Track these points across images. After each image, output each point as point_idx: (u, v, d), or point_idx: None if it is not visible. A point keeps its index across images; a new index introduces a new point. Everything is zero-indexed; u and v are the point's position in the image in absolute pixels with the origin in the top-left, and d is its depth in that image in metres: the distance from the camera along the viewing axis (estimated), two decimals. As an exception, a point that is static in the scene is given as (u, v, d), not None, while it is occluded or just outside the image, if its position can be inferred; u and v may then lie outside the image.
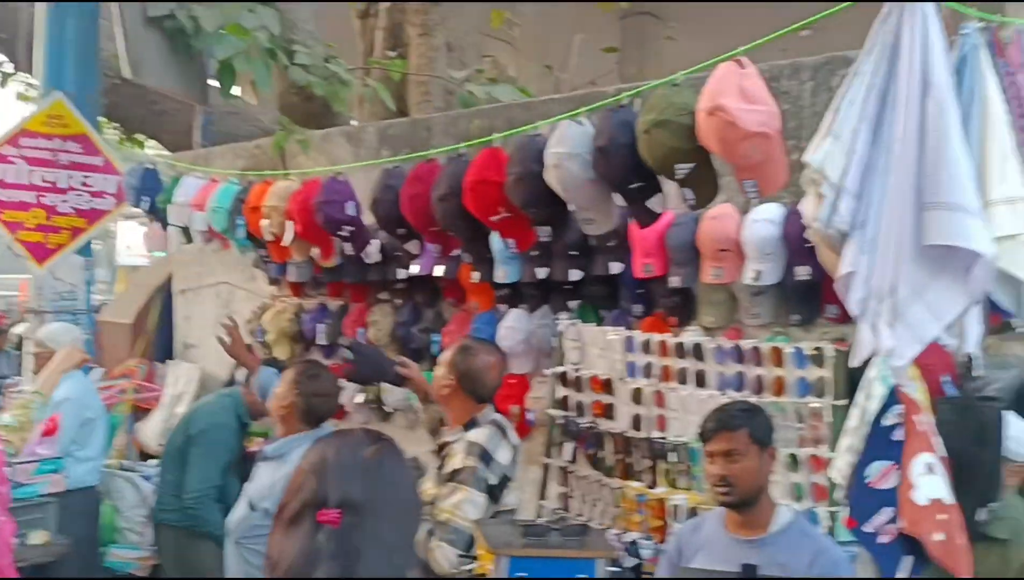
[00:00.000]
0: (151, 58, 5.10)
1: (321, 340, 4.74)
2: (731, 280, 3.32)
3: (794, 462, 2.91)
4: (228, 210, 4.37)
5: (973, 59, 2.05)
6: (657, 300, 3.60)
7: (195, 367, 5.57)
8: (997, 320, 2.69)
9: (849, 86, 1.96)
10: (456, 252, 3.53)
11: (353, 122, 6.26)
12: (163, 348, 5.95)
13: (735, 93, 2.33)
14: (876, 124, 1.93)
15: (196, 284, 5.83)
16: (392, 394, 4.43)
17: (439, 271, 4.04)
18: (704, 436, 2.41)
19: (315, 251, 4.18)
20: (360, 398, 4.59)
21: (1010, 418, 2.36)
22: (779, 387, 2.96)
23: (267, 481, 2.90)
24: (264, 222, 4.13)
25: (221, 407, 4.14)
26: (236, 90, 5.73)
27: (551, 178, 2.76)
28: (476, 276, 3.96)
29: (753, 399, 2.86)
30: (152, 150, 8.44)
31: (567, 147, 2.70)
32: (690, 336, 3.27)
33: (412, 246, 3.60)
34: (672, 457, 3.18)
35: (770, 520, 2.39)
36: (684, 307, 3.56)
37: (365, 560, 1.38)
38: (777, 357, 2.97)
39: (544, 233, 2.96)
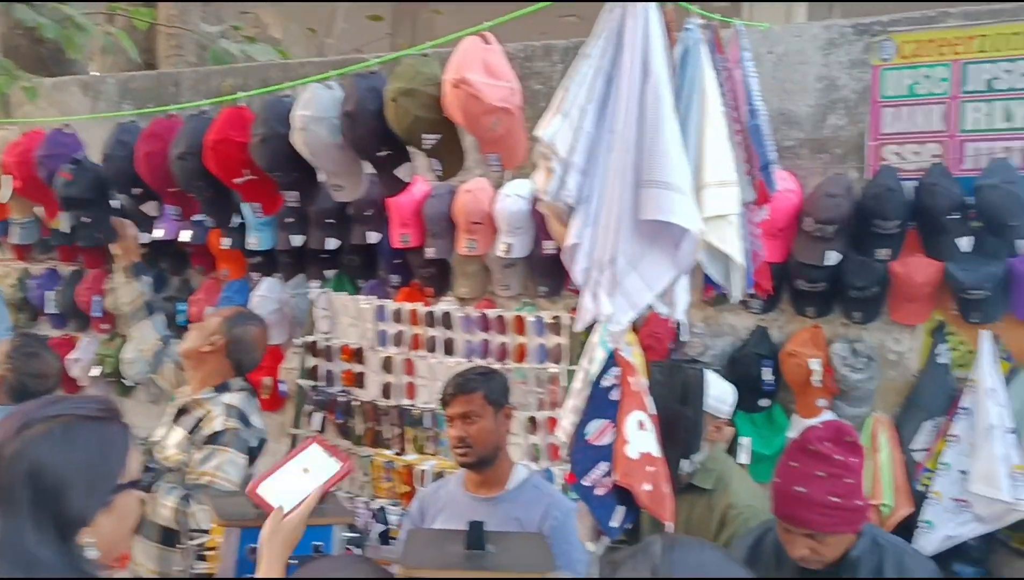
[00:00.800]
0: None
1: (50, 309, 4.36)
2: (484, 252, 3.43)
3: (533, 424, 3.07)
4: (-68, 160, 3.87)
5: (694, 53, 2.22)
6: (414, 270, 3.64)
7: None
8: (710, 292, 2.99)
9: (578, 67, 2.05)
10: (199, 216, 3.35)
11: (93, 72, 5.71)
12: None
13: (479, 67, 2.38)
14: (602, 104, 2.03)
15: None
16: (132, 367, 4.15)
17: (186, 236, 3.83)
18: (444, 401, 2.48)
19: (39, 210, 3.81)
20: (96, 371, 4.27)
21: (712, 378, 2.61)
22: (521, 354, 3.10)
23: None
24: (-24, 176, 3.70)
25: None
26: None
27: (297, 141, 2.69)
28: (226, 242, 3.80)
29: (497, 366, 2.98)
30: None
31: (314, 110, 2.63)
32: (441, 306, 3.34)
33: (150, 208, 3.35)
34: (421, 424, 3.24)
35: (507, 478, 2.51)
36: (440, 278, 3.64)
37: None
38: (519, 325, 3.11)
39: (291, 198, 2.87)
